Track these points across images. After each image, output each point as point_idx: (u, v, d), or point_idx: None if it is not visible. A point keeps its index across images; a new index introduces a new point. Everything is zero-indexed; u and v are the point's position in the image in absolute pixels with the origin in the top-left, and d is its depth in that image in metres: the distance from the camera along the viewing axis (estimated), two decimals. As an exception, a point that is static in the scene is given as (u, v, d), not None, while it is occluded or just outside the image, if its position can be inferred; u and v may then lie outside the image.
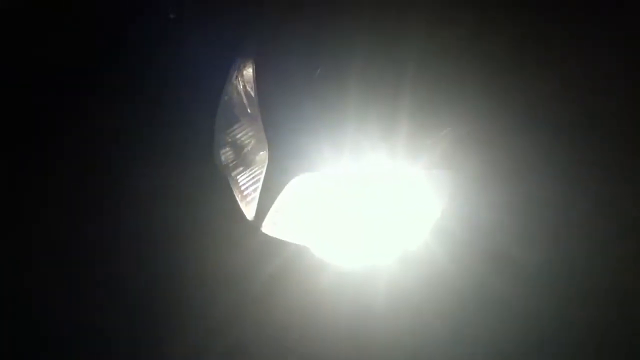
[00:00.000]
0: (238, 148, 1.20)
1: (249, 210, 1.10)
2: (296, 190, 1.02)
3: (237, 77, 1.22)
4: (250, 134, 1.19)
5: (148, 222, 1.22)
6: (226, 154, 1.22)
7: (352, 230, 1.02)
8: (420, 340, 1.05)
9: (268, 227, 1.05)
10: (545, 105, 1.03)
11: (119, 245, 1.25)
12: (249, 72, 1.19)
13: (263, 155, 1.10)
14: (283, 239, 1.05)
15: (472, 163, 0.99)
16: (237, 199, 1.14)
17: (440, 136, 0.98)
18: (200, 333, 1.14)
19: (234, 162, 1.20)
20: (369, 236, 1.01)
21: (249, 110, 1.18)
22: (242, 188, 1.14)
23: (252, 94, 1.16)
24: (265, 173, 1.06)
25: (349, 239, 1.03)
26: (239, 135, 1.21)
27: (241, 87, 1.21)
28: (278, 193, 1.02)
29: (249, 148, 1.18)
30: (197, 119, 1.24)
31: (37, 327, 1.22)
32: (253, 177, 1.13)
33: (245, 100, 1.20)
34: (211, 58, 1.29)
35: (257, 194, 1.08)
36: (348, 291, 1.05)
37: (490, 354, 1.07)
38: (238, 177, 1.17)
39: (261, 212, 1.06)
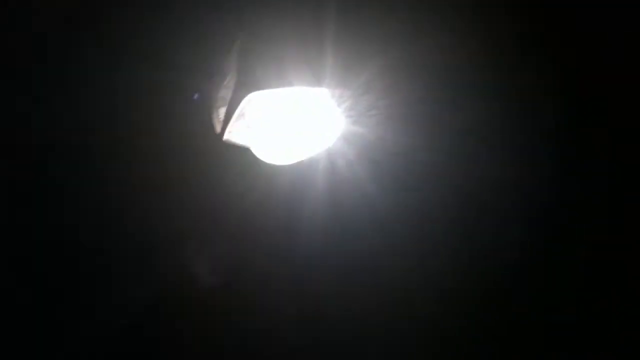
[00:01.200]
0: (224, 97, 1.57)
1: (218, 127, 1.45)
2: (248, 105, 1.36)
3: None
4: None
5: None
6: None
7: (284, 134, 1.35)
8: (339, 226, 1.33)
9: (226, 135, 1.40)
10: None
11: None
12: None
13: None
14: (233, 142, 1.39)
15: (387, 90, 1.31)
16: (214, 123, 1.50)
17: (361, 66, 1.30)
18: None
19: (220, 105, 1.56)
20: (296, 139, 1.34)
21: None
22: (220, 118, 1.50)
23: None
24: (230, 96, 1.41)
25: (282, 141, 1.35)
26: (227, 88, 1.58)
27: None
28: (236, 107, 1.37)
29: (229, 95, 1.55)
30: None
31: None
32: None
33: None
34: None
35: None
36: (280, 182, 1.36)
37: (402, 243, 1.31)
38: (220, 112, 1.53)
39: (225, 123, 1.40)
